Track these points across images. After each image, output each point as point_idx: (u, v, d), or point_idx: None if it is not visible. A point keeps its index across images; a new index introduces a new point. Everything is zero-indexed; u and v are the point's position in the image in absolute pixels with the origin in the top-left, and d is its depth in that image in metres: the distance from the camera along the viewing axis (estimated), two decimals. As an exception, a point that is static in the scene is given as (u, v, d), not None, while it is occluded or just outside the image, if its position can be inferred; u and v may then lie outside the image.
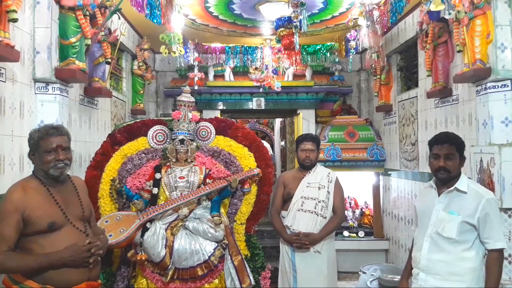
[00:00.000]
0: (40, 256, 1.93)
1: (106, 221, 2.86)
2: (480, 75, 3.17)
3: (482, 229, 2.27)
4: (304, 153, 3.36)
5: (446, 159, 2.36)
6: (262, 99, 6.08)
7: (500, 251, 2.28)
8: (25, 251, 1.96)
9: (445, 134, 2.49)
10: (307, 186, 3.30)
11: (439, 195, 2.41)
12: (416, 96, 4.82)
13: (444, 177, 2.39)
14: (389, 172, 5.69)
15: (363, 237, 5.84)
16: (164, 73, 6.54)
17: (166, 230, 2.93)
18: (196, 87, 5.52)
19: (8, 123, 2.53)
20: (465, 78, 3.37)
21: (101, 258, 2.10)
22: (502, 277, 2.50)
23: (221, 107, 6.11)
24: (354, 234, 5.86)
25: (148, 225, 2.90)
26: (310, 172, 3.37)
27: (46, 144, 2.02)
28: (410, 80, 5.22)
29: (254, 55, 5.70)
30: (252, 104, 6.13)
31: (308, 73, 6.00)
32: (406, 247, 5.13)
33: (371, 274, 4.60)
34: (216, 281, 3.04)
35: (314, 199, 3.24)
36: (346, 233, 5.85)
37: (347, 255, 5.59)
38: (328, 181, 3.32)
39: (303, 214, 3.22)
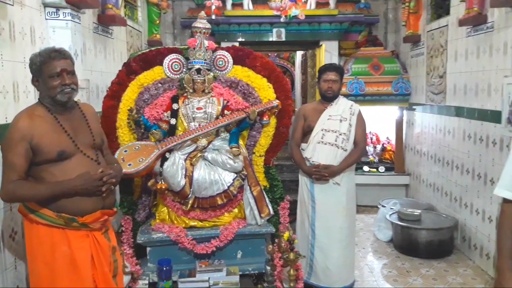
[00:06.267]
0: (52, 184, 1.90)
1: (125, 151, 2.85)
2: (522, -3, 2.89)
3: None
4: (327, 84, 3.22)
5: None
6: (283, 30, 5.80)
7: None
8: (36, 179, 1.94)
9: None
10: (328, 119, 3.20)
11: None
12: (447, 25, 4.51)
13: None
14: (414, 107, 5.51)
15: (383, 172, 5.81)
16: (181, 3, 6.28)
17: (185, 160, 2.92)
18: (213, 17, 5.29)
19: (19, 49, 2.44)
20: (503, 1, 3.09)
21: (119, 186, 2.08)
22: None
23: (239, 38, 5.87)
24: (374, 169, 5.82)
25: (167, 155, 2.88)
26: (332, 104, 3.25)
27: (50, 69, 1.91)
28: (440, 8, 4.87)
29: (275, -20, 5.35)
30: (272, 36, 5.85)
31: (332, 1, 5.63)
32: (428, 182, 5.09)
33: (391, 208, 4.62)
34: (236, 210, 3.07)
35: (335, 132, 3.14)
36: (366, 168, 5.81)
37: (367, 190, 5.61)
38: (351, 114, 3.20)
39: (323, 146, 3.15)
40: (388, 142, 6.09)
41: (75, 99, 2.07)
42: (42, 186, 1.90)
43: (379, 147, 6.11)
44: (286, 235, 2.67)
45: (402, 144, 5.84)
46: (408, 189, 5.79)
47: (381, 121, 6.03)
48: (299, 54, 7.99)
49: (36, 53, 1.97)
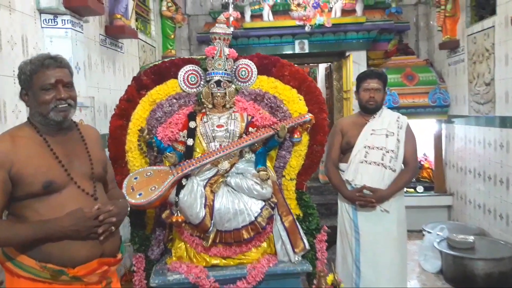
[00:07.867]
0: (34, 225, 1.49)
1: (135, 178, 2.44)
2: None
3: None
4: (368, 93, 2.76)
5: None
6: (306, 41, 5.41)
7: None
8: (19, 218, 1.53)
9: None
10: (371, 134, 2.73)
11: None
12: (493, 26, 4.04)
13: None
14: (454, 119, 4.99)
15: (422, 192, 5.27)
16: (197, 17, 5.98)
17: (204, 187, 2.49)
18: (231, 29, 4.93)
19: (7, 61, 2.08)
20: None
21: (129, 220, 1.64)
22: None
23: (259, 52, 5.51)
24: (412, 189, 5.28)
25: (183, 181, 2.46)
26: (374, 117, 2.79)
27: (42, 79, 1.54)
28: (483, 9, 4.41)
29: (297, -12, 4.99)
30: (295, 48, 5.47)
31: (359, 8, 5.22)
32: (476, 203, 4.53)
33: (437, 234, 4.07)
34: (265, 244, 2.60)
35: (381, 149, 2.67)
36: (402, 188, 5.28)
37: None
38: (398, 127, 2.74)
39: (367, 166, 2.67)
40: (426, 159, 5.57)
41: (77, 119, 1.67)
42: (21, 227, 1.49)
43: (415, 164, 5.58)
44: (330, 278, 2.19)
45: (441, 161, 5.30)
46: (451, 211, 5.22)
47: (417, 136, 5.52)
48: (321, 68, 7.60)
49: (26, 60, 1.60)
